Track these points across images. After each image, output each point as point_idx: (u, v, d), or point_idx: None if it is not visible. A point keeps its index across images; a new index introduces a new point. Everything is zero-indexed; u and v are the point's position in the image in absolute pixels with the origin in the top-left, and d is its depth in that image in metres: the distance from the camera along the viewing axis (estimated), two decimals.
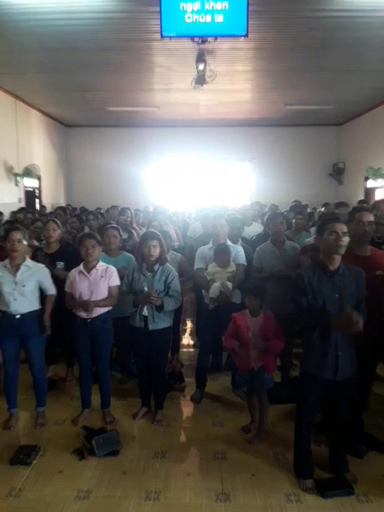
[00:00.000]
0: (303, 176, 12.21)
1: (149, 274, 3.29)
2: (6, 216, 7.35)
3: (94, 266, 3.30)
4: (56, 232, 3.95)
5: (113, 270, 3.37)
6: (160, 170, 13.00)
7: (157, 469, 2.87)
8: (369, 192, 10.50)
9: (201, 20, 4.97)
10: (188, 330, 5.86)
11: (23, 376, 3.55)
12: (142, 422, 3.46)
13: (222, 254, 3.59)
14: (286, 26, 5.68)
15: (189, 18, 4.96)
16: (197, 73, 6.89)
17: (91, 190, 12.16)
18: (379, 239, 3.64)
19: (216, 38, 5.31)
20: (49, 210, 9.76)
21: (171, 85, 8.41)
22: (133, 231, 5.11)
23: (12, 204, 8.50)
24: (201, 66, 6.61)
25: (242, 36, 5.11)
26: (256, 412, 3.26)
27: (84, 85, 8.36)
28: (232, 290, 3.52)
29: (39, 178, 10.39)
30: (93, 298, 3.25)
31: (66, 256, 3.90)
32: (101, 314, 3.30)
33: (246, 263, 3.77)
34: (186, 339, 5.51)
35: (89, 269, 3.30)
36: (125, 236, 4.61)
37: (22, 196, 9.47)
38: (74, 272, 3.33)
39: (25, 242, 3.24)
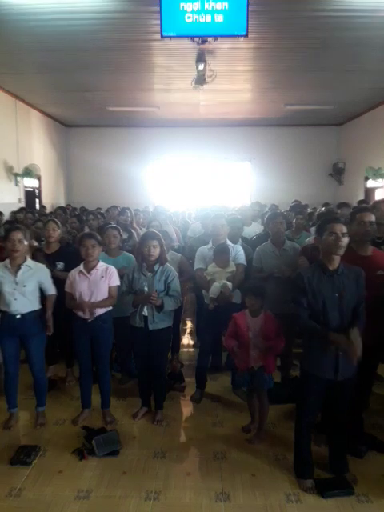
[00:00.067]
0: (303, 176, 12.21)
1: (149, 273, 3.29)
2: (6, 216, 7.36)
3: (94, 266, 3.30)
4: (56, 232, 3.96)
5: (113, 270, 3.37)
6: (160, 170, 13.00)
7: (157, 469, 2.87)
8: (369, 192, 10.49)
9: (201, 20, 4.97)
10: (188, 330, 5.86)
11: (23, 376, 3.55)
12: (142, 421, 3.46)
13: (221, 254, 3.59)
14: (286, 26, 5.69)
15: (189, 18, 4.96)
16: (197, 73, 6.89)
17: (91, 190, 12.16)
18: (379, 239, 3.64)
19: (216, 38, 5.31)
20: (49, 210, 9.76)
21: (171, 85, 8.41)
22: (133, 231, 5.12)
23: (12, 204, 8.50)
24: (201, 66, 6.61)
25: (241, 36, 5.11)
26: (256, 412, 3.26)
27: (84, 85, 8.36)
28: (232, 290, 3.51)
29: (39, 178, 10.39)
30: (93, 298, 3.25)
31: (66, 256, 3.91)
32: (101, 314, 3.30)
33: (245, 263, 3.77)
34: (186, 339, 5.51)
35: (89, 269, 3.30)
36: (125, 236, 4.61)
37: (22, 196, 9.48)
38: (74, 272, 3.33)
39: (26, 242, 3.24)
